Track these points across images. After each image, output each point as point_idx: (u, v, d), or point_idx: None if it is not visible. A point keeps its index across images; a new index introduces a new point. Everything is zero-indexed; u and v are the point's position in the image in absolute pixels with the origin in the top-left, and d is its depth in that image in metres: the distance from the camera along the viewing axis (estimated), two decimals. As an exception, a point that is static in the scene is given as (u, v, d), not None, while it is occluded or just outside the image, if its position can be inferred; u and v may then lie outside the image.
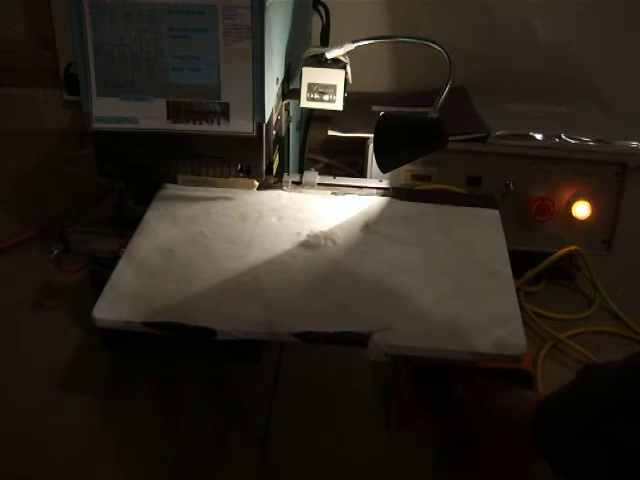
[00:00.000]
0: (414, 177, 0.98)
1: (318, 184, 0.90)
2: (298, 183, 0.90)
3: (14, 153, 1.33)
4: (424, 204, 0.86)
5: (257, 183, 0.86)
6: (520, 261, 0.98)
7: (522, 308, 0.92)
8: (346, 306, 0.68)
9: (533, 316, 0.94)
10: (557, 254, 0.97)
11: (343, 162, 1.30)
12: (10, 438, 0.74)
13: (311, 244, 0.78)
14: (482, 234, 0.81)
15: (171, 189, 0.85)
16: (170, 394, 0.81)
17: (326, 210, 0.84)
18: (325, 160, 1.31)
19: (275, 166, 0.90)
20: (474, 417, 0.68)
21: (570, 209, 0.97)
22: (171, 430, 0.76)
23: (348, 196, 0.88)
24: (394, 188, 0.90)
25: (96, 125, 0.80)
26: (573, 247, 0.97)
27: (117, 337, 0.83)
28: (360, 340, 0.65)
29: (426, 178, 0.98)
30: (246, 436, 0.75)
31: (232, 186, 0.85)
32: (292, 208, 0.85)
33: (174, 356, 0.83)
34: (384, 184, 0.90)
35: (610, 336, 0.93)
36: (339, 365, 0.84)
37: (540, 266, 0.97)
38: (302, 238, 0.79)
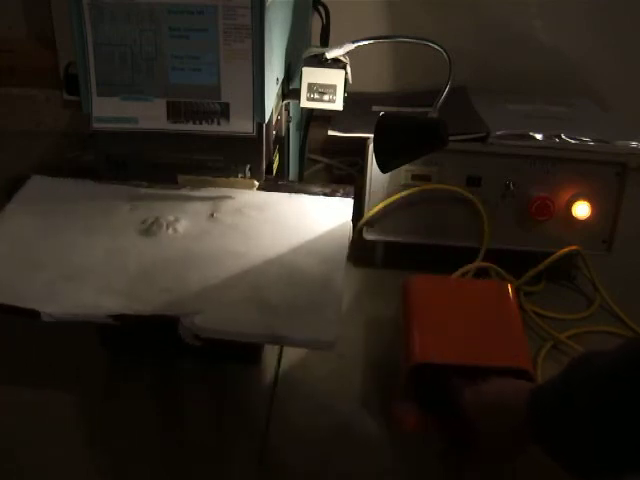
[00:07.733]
0: (414, 177, 0.98)
1: None
2: None
3: (14, 153, 1.33)
4: (283, 194, 0.87)
5: (257, 183, 0.86)
6: (520, 261, 0.99)
7: (522, 308, 0.93)
8: (170, 290, 0.70)
9: (533, 316, 0.94)
10: (557, 254, 0.97)
11: (343, 162, 1.30)
12: (7, 437, 0.74)
13: (152, 232, 0.79)
14: (329, 223, 0.82)
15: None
16: (169, 394, 0.80)
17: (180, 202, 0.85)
18: (325, 160, 1.31)
19: (275, 166, 0.90)
20: (473, 407, 0.68)
21: (570, 209, 0.97)
22: (171, 430, 0.76)
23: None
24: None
25: (96, 125, 0.80)
26: (573, 247, 0.97)
27: (115, 336, 0.83)
28: (170, 322, 0.66)
29: (426, 178, 0.98)
30: (246, 436, 0.75)
31: (232, 186, 0.85)
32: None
33: (173, 356, 0.83)
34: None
35: (610, 336, 0.93)
36: (339, 365, 0.84)
37: (540, 266, 0.97)
38: (145, 226, 0.80)
